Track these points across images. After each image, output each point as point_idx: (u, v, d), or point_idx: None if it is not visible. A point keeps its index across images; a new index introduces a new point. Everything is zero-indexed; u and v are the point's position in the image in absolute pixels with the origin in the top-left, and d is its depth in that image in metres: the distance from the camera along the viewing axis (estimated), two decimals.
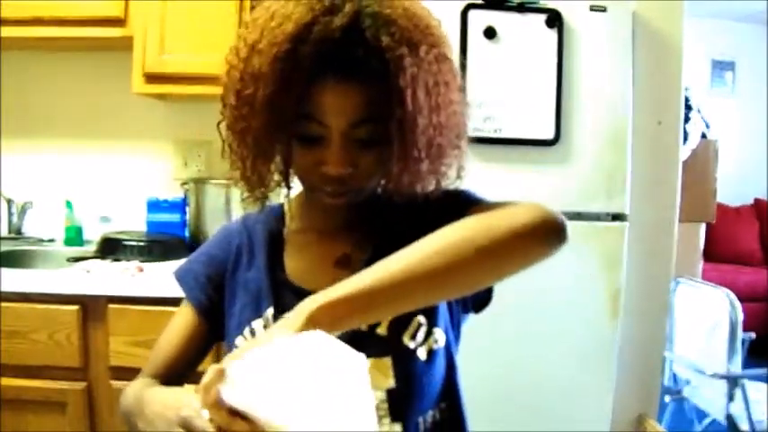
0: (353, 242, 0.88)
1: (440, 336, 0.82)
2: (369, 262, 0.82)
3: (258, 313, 0.85)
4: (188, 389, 0.72)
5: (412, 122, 0.74)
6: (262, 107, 0.74)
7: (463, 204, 0.83)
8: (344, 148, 0.76)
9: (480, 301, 0.88)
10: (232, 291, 0.90)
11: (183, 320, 0.91)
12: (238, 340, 0.85)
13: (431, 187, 0.83)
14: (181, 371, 0.89)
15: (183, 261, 0.98)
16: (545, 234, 0.73)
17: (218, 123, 0.82)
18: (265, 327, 0.83)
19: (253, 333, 0.84)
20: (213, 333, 0.91)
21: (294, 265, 0.88)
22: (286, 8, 0.74)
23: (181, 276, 0.94)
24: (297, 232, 0.92)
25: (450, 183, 0.85)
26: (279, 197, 0.94)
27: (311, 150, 0.77)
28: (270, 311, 0.84)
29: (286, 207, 0.94)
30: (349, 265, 0.85)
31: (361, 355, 0.60)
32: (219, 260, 0.92)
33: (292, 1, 0.74)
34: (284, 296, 0.85)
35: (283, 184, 0.86)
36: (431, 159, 0.78)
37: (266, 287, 0.86)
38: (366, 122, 0.75)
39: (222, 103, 0.81)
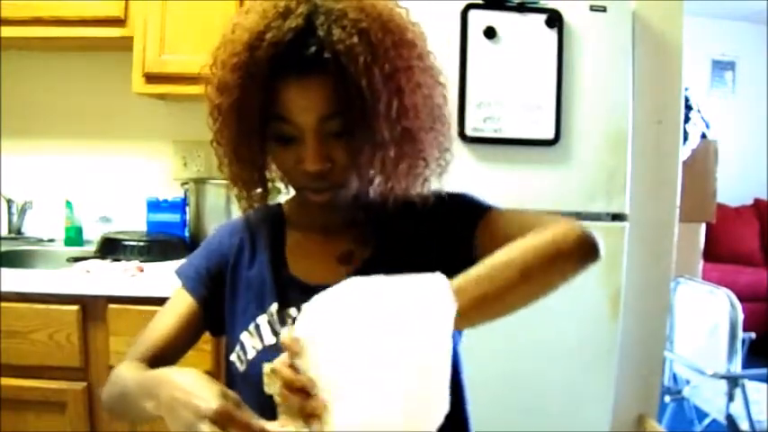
0: (355, 239, 0.89)
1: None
2: (370, 259, 0.86)
3: (263, 309, 0.86)
4: (204, 376, 0.70)
5: (372, 109, 0.76)
6: (229, 116, 0.79)
7: (474, 212, 0.86)
8: (318, 143, 0.78)
9: None
10: (233, 286, 0.91)
11: (177, 308, 0.92)
12: (243, 335, 0.86)
13: (415, 173, 0.84)
14: (168, 358, 0.90)
15: (182, 261, 0.98)
16: (585, 256, 0.80)
17: (212, 141, 0.86)
18: (269, 322, 0.85)
19: (257, 328, 0.85)
20: (206, 324, 0.93)
21: (297, 262, 0.90)
22: (245, 20, 0.78)
23: (180, 271, 0.96)
24: (298, 230, 0.93)
25: (437, 168, 0.86)
26: (278, 198, 0.95)
27: (288, 150, 0.80)
28: (274, 307, 0.85)
29: (284, 206, 0.96)
30: (351, 262, 0.87)
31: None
32: (220, 253, 0.94)
33: (252, 13, 0.78)
34: (289, 292, 0.86)
35: (275, 186, 0.90)
36: (399, 144, 0.80)
37: (270, 284, 0.87)
38: (335, 116, 0.77)
39: (210, 119, 0.85)
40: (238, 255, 0.93)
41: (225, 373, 0.91)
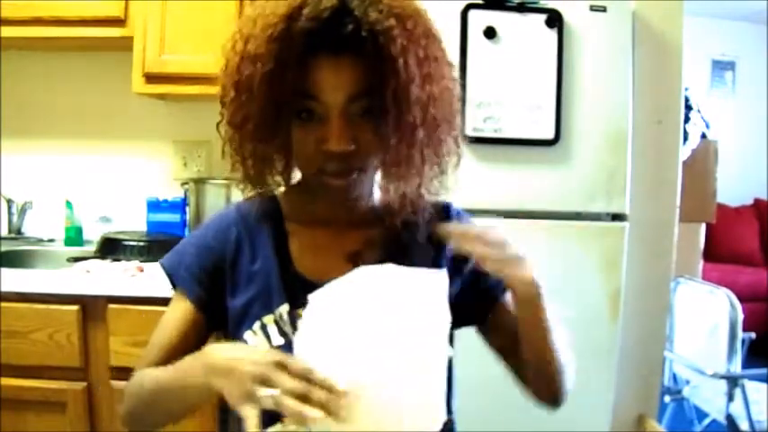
0: (364, 240, 0.88)
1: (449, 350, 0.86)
2: (380, 264, 0.84)
3: (269, 309, 0.85)
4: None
5: (405, 91, 0.77)
6: (260, 87, 0.77)
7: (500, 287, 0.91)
8: (344, 123, 0.78)
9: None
10: (233, 283, 0.88)
11: (178, 313, 0.89)
12: (247, 335, 0.84)
13: (430, 163, 0.84)
14: None
15: (170, 255, 0.94)
16: (555, 397, 0.92)
17: (218, 124, 0.84)
18: (277, 323, 0.84)
19: (263, 328, 0.84)
20: (210, 324, 0.90)
21: (303, 258, 0.88)
22: None
23: (172, 269, 0.92)
24: (301, 226, 0.91)
25: (448, 161, 0.86)
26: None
27: (312, 130, 0.79)
28: (284, 308, 0.84)
29: (280, 198, 0.94)
30: (359, 263, 0.85)
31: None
32: (216, 251, 0.90)
33: None
34: (297, 292, 0.84)
35: (282, 177, 0.88)
36: (426, 129, 0.80)
37: (277, 282, 0.86)
38: (363, 97, 0.78)
39: (221, 103, 0.83)
40: (237, 249, 0.89)
41: None
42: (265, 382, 0.67)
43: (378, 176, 0.89)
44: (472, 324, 0.93)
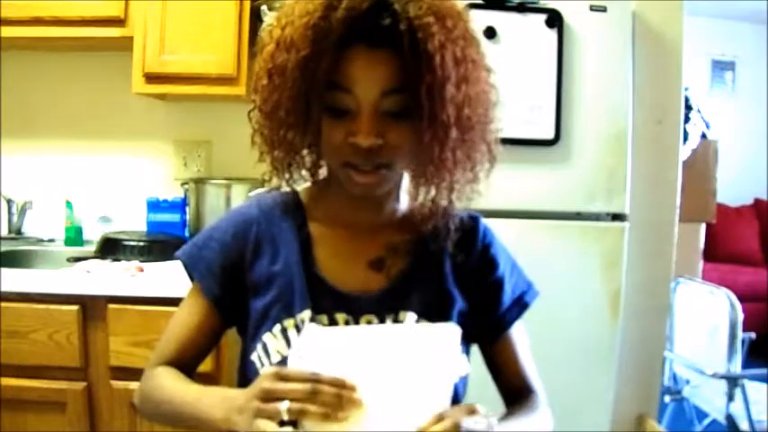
0: (388, 246, 0.87)
1: (466, 364, 0.86)
2: (404, 273, 0.86)
3: (290, 313, 0.83)
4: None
5: (441, 89, 0.75)
6: (293, 73, 0.76)
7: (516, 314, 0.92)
8: (374, 118, 0.77)
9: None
10: (253, 283, 0.87)
11: (194, 309, 0.89)
12: (266, 336, 0.83)
13: (462, 167, 0.82)
14: (193, 359, 0.89)
15: (187, 247, 0.94)
16: None
17: (249, 111, 0.84)
18: (297, 327, 0.82)
19: (284, 332, 0.82)
20: (226, 322, 0.90)
21: (326, 261, 0.87)
22: None
23: (191, 263, 0.91)
24: (324, 227, 0.89)
25: (482, 165, 0.85)
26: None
27: (341, 123, 0.78)
28: (307, 314, 0.82)
29: (303, 197, 0.92)
30: (382, 270, 0.86)
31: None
32: (236, 250, 0.88)
33: None
34: (321, 298, 0.83)
35: (309, 172, 0.87)
36: (459, 130, 0.78)
37: (301, 286, 0.84)
38: (395, 92, 0.76)
39: (254, 90, 0.82)
40: (257, 248, 0.87)
41: (239, 371, 0.88)
42: (269, 394, 0.66)
43: (406, 183, 0.87)
44: (475, 342, 0.93)
